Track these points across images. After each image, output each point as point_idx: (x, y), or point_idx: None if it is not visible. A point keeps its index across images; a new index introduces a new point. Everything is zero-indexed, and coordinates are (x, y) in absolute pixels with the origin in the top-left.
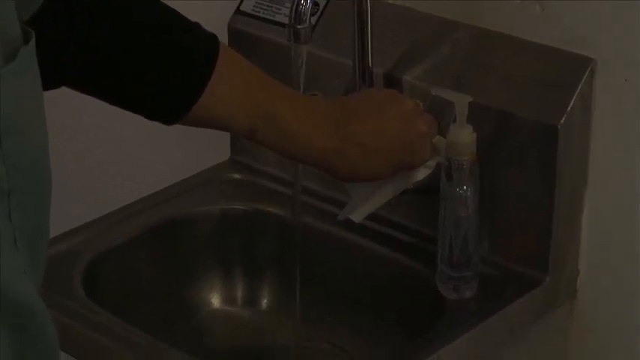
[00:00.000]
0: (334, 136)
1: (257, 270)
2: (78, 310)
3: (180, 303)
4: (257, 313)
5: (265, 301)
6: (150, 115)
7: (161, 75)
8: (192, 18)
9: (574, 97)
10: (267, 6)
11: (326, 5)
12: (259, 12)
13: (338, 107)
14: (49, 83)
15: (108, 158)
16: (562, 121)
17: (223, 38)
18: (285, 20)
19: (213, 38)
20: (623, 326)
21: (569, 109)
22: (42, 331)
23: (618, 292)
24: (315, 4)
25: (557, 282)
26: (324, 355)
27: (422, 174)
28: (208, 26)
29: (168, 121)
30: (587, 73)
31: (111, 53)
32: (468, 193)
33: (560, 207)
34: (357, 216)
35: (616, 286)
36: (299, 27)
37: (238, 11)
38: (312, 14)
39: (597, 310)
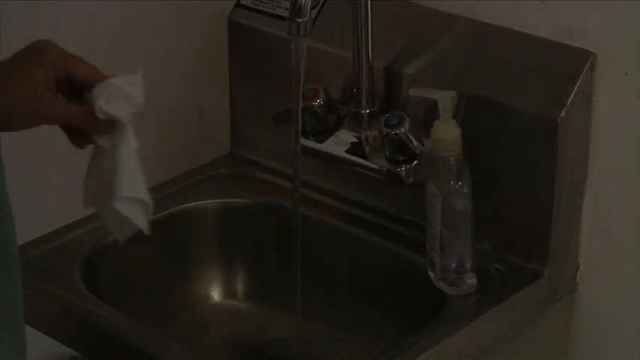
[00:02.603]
0: None
1: (257, 263)
2: (77, 302)
3: (181, 296)
4: (257, 306)
5: (266, 294)
6: None
7: None
8: (193, 11)
9: (574, 91)
10: None
11: None
12: (259, 5)
13: None
14: None
15: None
16: (562, 114)
17: (223, 31)
18: (285, 13)
19: None
20: (623, 320)
21: (569, 102)
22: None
23: (618, 285)
24: None
25: (558, 275)
26: (323, 349)
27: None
28: (209, 19)
29: None
30: (587, 66)
31: None
32: (464, 189)
33: (561, 200)
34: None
35: (616, 279)
36: (299, 20)
37: (238, 4)
38: (312, 7)
39: (597, 303)
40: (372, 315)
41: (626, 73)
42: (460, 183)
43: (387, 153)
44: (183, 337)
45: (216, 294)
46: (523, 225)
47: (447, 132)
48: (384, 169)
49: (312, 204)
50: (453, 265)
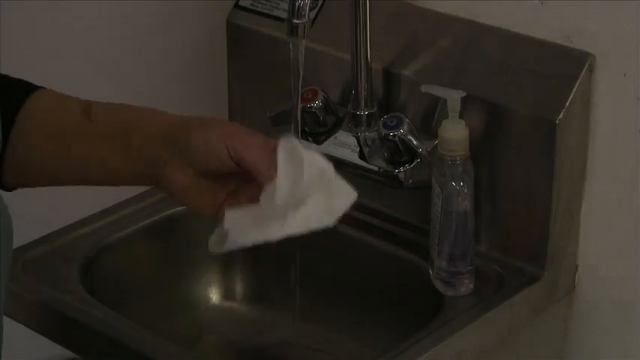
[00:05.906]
0: None
1: (256, 265)
2: (76, 304)
3: (179, 298)
4: (256, 308)
5: (264, 295)
6: None
7: None
8: (192, 13)
9: (572, 92)
10: (266, 1)
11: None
12: (258, 7)
13: None
14: None
15: None
16: (561, 116)
17: (222, 33)
18: (284, 15)
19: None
20: (622, 321)
21: (567, 104)
22: None
23: (617, 286)
24: None
25: (556, 277)
26: (322, 349)
27: None
28: (207, 20)
29: None
30: (585, 68)
31: None
32: (465, 190)
33: (559, 202)
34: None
35: (615, 280)
36: (297, 22)
37: (237, 6)
38: (310, 9)
39: (596, 305)
40: (372, 315)
41: (624, 75)
42: (462, 183)
43: (386, 154)
44: (181, 338)
45: (215, 296)
46: (522, 226)
47: (455, 131)
48: (383, 171)
49: None
50: (451, 265)
